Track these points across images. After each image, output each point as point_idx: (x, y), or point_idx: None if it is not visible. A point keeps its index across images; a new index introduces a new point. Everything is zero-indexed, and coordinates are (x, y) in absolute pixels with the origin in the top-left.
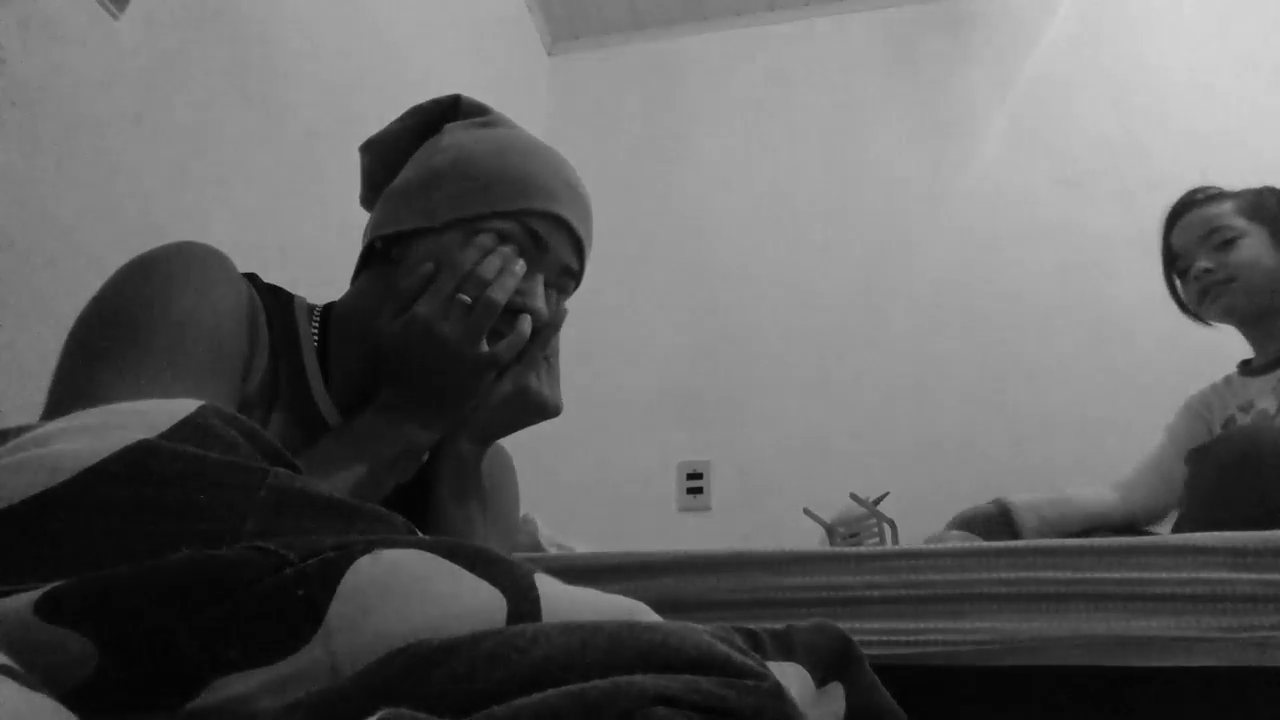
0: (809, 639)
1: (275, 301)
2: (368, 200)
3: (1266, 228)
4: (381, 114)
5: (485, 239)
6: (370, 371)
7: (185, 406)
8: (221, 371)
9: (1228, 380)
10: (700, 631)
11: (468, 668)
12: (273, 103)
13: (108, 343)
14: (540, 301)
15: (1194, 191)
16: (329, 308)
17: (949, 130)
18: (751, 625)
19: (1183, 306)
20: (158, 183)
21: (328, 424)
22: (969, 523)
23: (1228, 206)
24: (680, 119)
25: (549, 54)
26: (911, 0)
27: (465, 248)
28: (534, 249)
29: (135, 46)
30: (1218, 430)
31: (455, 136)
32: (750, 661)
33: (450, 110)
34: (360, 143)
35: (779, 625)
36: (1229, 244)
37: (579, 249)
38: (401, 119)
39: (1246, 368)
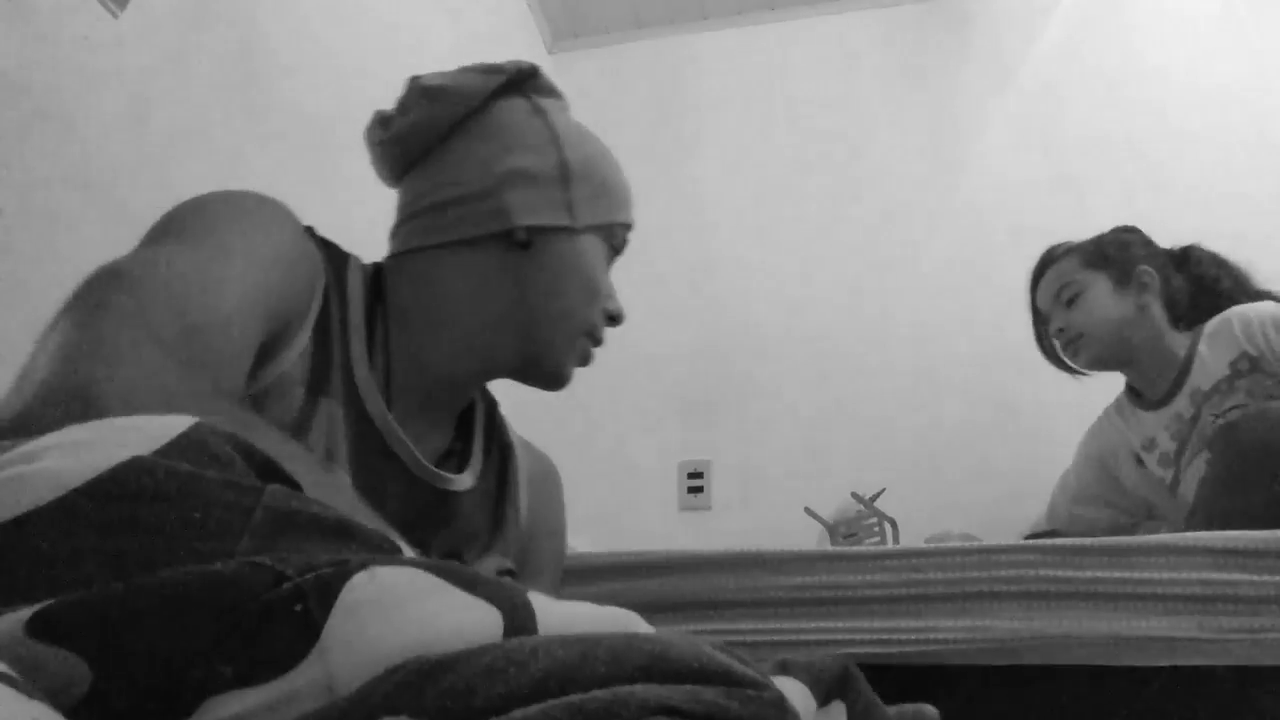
0: (808, 662)
1: (329, 260)
2: (404, 146)
3: (1107, 273)
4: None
5: (605, 248)
6: (451, 353)
7: (180, 423)
8: (270, 302)
9: (1120, 409)
10: (701, 642)
11: (466, 683)
12: (273, 102)
13: (165, 235)
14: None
15: (1050, 249)
16: (378, 275)
17: (949, 130)
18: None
19: (1058, 362)
20: (158, 181)
21: (369, 415)
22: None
23: (1074, 261)
24: (680, 118)
25: (549, 53)
26: (912, 0)
27: (599, 257)
28: (613, 256)
29: (135, 45)
30: (1121, 468)
31: (564, 121)
32: (751, 671)
33: (529, 78)
34: (358, 140)
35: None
36: (1074, 300)
37: None
38: (478, 73)
39: (1139, 399)
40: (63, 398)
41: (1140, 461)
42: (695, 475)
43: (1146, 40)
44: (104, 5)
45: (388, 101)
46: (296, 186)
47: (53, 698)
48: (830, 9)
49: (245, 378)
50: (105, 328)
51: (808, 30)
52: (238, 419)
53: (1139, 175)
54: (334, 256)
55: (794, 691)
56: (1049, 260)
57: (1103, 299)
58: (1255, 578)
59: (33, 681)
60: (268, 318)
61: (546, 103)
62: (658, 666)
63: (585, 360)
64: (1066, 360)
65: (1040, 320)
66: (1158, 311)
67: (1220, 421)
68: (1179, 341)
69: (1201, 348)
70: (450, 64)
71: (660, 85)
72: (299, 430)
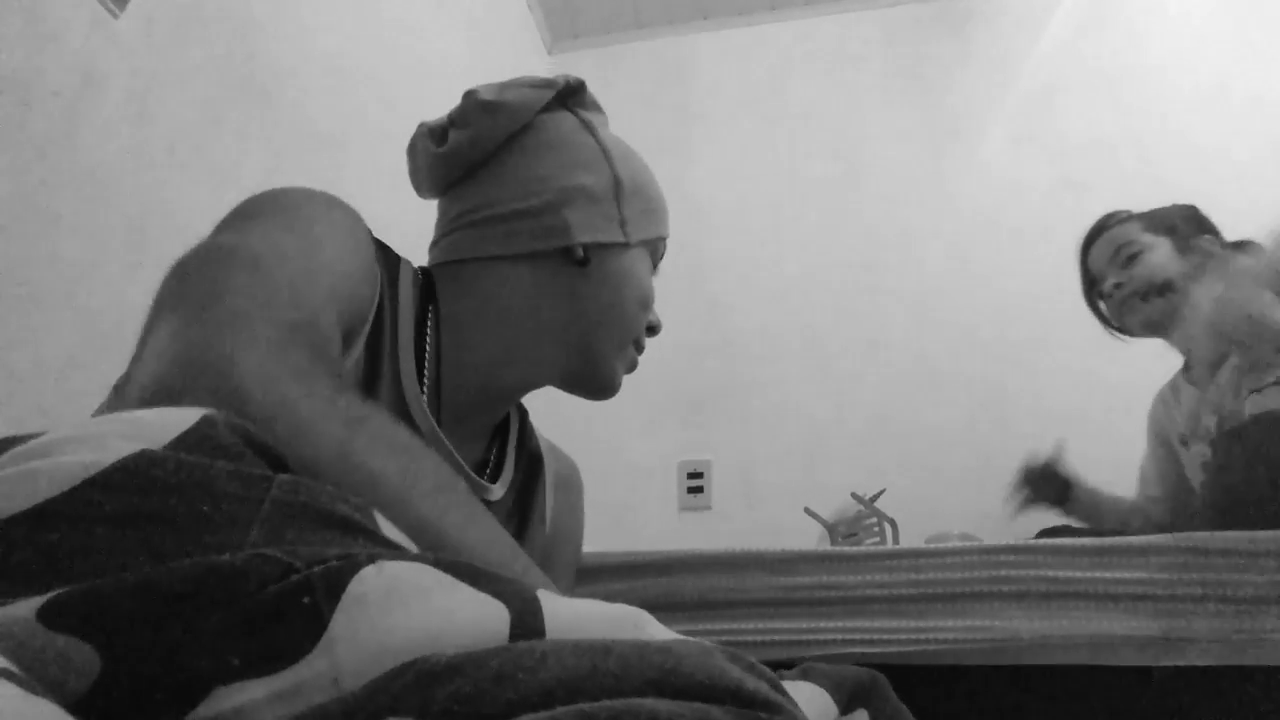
0: (832, 669)
1: (385, 264)
2: (450, 162)
3: (1169, 238)
4: (382, 113)
5: (651, 263)
6: (504, 363)
7: (189, 416)
8: (343, 303)
9: (1175, 389)
10: (713, 652)
11: (473, 687)
12: (273, 102)
13: (257, 217)
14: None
15: (1105, 217)
16: (430, 283)
17: (949, 130)
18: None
19: (1108, 325)
20: (158, 182)
21: (417, 428)
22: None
23: (1133, 225)
24: (681, 118)
25: (549, 53)
26: (912, 0)
27: (647, 270)
28: (654, 267)
29: (135, 45)
30: (1178, 447)
31: (610, 137)
32: (763, 686)
33: (576, 91)
34: (358, 140)
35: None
36: (1134, 258)
37: None
38: (531, 87)
39: (1189, 372)
40: (201, 369)
41: (1186, 445)
42: (695, 475)
43: (1147, 40)
44: (104, 5)
45: (386, 102)
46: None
47: (62, 686)
48: (830, 9)
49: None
50: (234, 304)
51: (808, 30)
52: (387, 425)
53: (1139, 175)
54: (389, 259)
55: (810, 697)
56: (1104, 225)
57: (1163, 259)
58: (1255, 578)
59: (43, 669)
60: (342, 318)
61: (592, 117)
62: (668, 681)
63: (632, 368)
64: (1118, 323)
65: (1092, 284)
66: (1210, 287)
67: (1222, 432)
68: None
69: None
70: (450, 64)
71: (660, 85)
72: None
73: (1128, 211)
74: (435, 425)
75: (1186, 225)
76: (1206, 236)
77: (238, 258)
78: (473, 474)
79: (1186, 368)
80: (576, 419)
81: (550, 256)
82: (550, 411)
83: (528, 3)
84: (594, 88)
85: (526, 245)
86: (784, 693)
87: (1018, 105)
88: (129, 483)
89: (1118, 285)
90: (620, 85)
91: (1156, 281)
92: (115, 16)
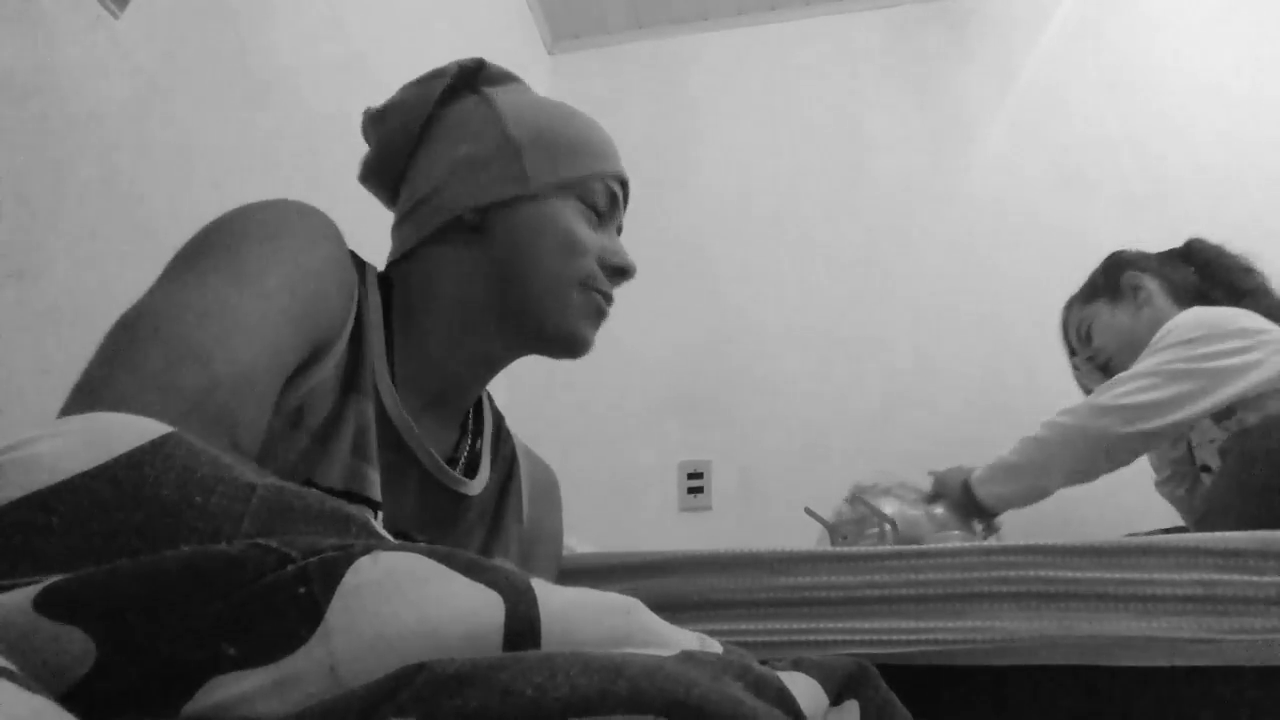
0: (822, 659)
1: (359, 271)
2: (376, 171)
3: (1102, 298)
4: None
5: (581, 205)
6: (450, 346)
7: (159, 428)
8: (305, 329)
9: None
10: (725, 674)
11: (480, 702)
12: (273, 101)
13: (197, 259)
14: (629, 256)
15: (1061, 312)
16: (387, 282)
17: (949, 130)
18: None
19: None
20: (157, 182)
21: (392, 422)
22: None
23: (1075, 306)
24: (681, 119)
25: (549, 53)
26: (912, 0)
27: (575, 214)
28: (611, 208)
29: (135, 45)
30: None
31: (510, 101)
32: (776, 714)
33: (474, 73)
34: (359, 140)
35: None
36: (1089, 335)
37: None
38: (420, 84)
39: None
40: None
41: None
42: (695, 475)
43: (1148, 40)
44: (104, 5)
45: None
46: (296, 186)
47: (58, 674)
48: (830, 9)
49: (263, 431)
50: (127, 385)
51: (808, 30)
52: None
53: (1139, 175)
54: (357, 265)
55: (804, 687)
56: (1063, 318)
57: (1106, 319)
58: (1256, 579)
59: (39, 657)
60: (307, 341)
61: (495, 90)
62: (677, 713)
63: (598, 315)
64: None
65: (1077, 366)
66: (1163, 306)
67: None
68: None
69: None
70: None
71: (660, 85)
72: (331, 427)
73: (1071, 296)
74: (402, 409)
75: (1107, 276)
76: (1127, 273)
77: (155, 330)
78: (449, 470)
79: None
80: (577, 419)
81: (456, 231)
82: (551, 412)
83: (528, 3)
84: (594, 88)
85: (429, 227)
86: (798, 713)
87: (1019, 104)
88: (123, 475)
89: (1089, 359)
90: (620, 85)
91: (1101, 360)
92: (115, 16)
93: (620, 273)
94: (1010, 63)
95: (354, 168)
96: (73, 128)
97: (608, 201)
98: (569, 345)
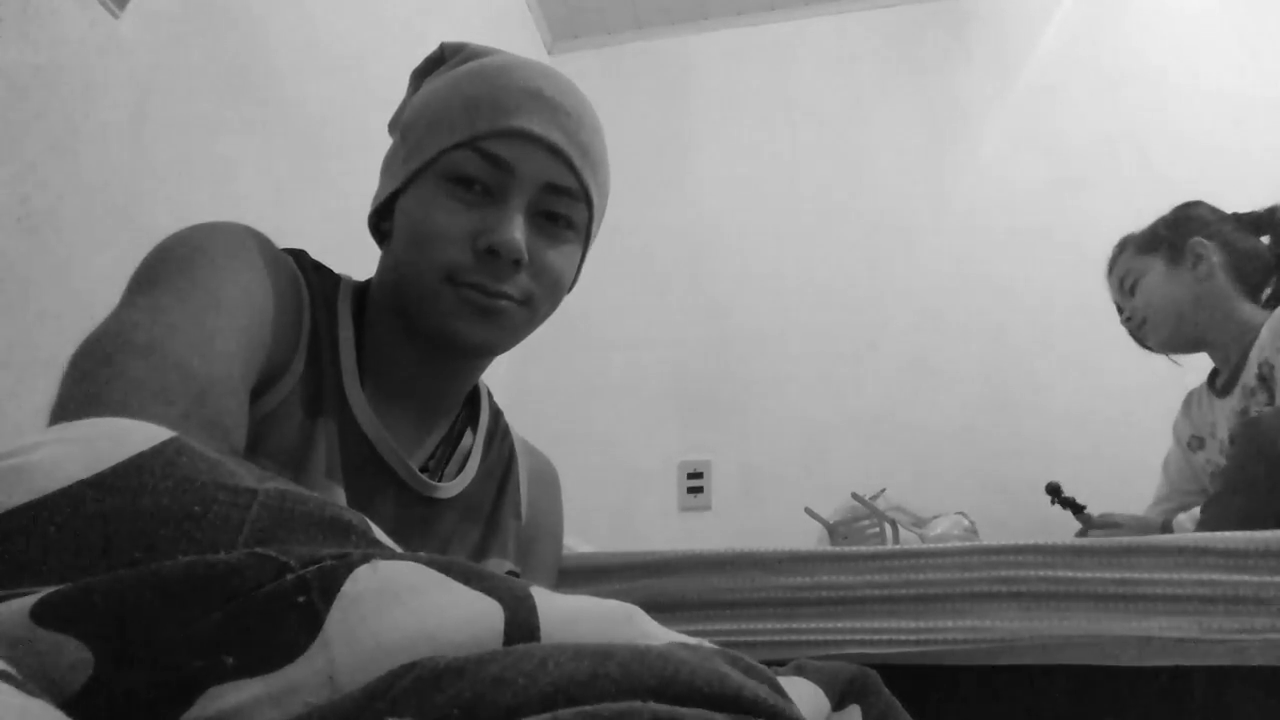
0: (823, 664)
1: (321, 285)
2: None
3: (1160, 254)
4: (381, 112)
5: (447, 183)
6: (404, 358)
7: (162, 433)
8: (257, 346)
9: (1197, 397)
10: (713, 657)
11: (473, 691)
12: (273, 101)
13: (152, 283)
14: (511, 232)
15: (1118, 242)
16: (364, 292)
17: (949, 130)
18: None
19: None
20: (158, 182)
21: (365, 435)
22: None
23: (1130, 250)
24: (680, 119)
25: (549, 53)
26: (912, 0)
27: (430, 200)
28: (496, 174)
29: (135, 45)
30: (1184, 449)
31: (431, 85)
32: (763, 690)
33: (438, 63)
34: (358, 140)
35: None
36: (1134, 288)
37: (564, 160)
38: (408, 87)
39: (1213, 385)
40: None
41: (1192, 449)
42: (695, 475)
43: (1147, 40)
44: (104, 5)
45: (386, 101)
46: (297, 186)
47: (55, 684)
48: (830, 9)
49: (244, 438)
50: (119, 396)
51: (808, 30)
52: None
53: (1139, 175)
54: (325, 279)
55: (805, 692)
56: (1115, 254)
57: (1157, 281)
58: (1256, 579)
59: (37, 667)
60: (263, 358)
61: (438, 71)
62: (669, 690)
63: (478, 310)
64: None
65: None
66: (1223, 284)
67: (1241, 420)
68: (1256, 315)
69: (1264, 332)
70: None
71: (660, 85)
72: (302, 452)
73: (1129, 235)
74: (377, 421)
75: (1173, 232)
76: (1195, 239)
77: (124, 340)
78: (417, 473)
79: (1213, 376)
80: (577, 419)
81: (383, 241)
82: (552, 412)
83: (527, 3)
84: (594, 88)
85: (373, 233)
86: (784, 695)
87: (1018, 105)
88: (121, 483)
89: (1127, 318)
90: (620, 85)
91: (1136, 321)
92: (115, 16)
93: (492, 252)
94: (1009, 63)
95: (353, 168)
96: (72, 128)
97: (486, 167)
98: (453, 346)
